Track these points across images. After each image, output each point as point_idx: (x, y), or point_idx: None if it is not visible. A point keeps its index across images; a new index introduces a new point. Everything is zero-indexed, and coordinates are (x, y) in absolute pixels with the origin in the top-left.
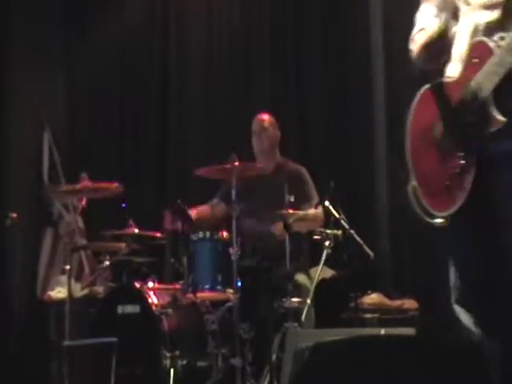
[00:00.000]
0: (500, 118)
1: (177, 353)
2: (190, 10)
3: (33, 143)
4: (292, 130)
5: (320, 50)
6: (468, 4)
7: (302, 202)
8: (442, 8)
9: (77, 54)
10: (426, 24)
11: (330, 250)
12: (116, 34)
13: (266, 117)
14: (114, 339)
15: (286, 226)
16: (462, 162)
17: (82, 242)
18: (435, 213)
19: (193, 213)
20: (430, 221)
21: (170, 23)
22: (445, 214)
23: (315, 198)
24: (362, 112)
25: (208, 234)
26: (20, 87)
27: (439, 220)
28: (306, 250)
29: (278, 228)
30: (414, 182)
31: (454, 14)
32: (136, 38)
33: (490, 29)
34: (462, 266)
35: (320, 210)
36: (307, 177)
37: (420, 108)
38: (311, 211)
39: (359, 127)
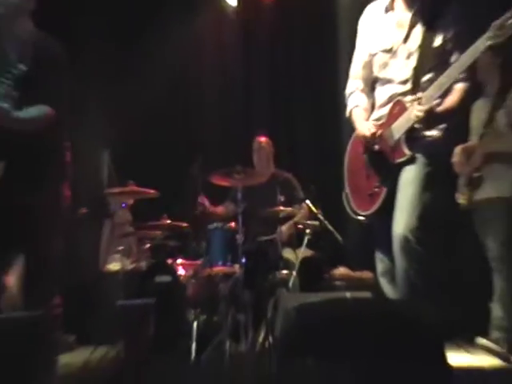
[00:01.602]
0: (407, 151)
1: (198, 311)
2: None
3: (96, 157)
4: (283, 147)
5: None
6: (388, 82)
7: (291, 201)
8: (366, 83)
9: (130, 87)
10: (358, 101)
11: (310, 236)
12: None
13: (263, 138)
14: (153, 300)
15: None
16: (378, 184)
17: (130, 229)
18: (360, 212)
19: (217, 210)
20: (355, 217)
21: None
22: (366, 213)
23: (300, 198)
24: (335, 133)
25: (220, 224)
26: (87, 113)
27: (361, 217)
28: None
29: (284, 235)
30: (346, 191)
31: (373, 84)
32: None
33: (404, 94)
34: (380, 246)
35: (305, 206)
36: (295, 182)
37: (355, 141)
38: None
39: (332, 144)
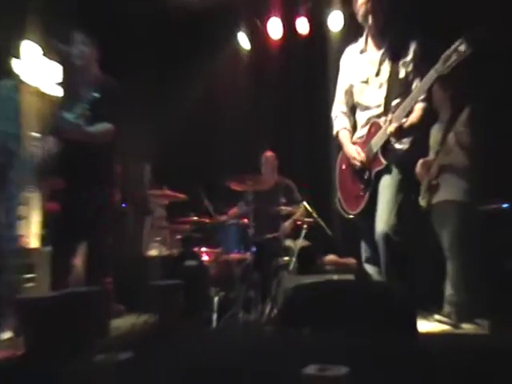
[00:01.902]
0: (383, 161)
1: (217, 289)
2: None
3: (140, 169)
4: (284, 160)
5: (302, 114)
6: (366, 108)
7: (291, 202)
8: (347, 107)
9: (164, 114)
10: (343, 123)
11: (306, 230)
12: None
13: (269, 153)
14: (182, 281)
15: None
16: (362, 190)
17: (165, 224)
18: (349, 211)
19: (232, 211)
20: (346, 216)
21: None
22: (354, 212)
23: (298, 199)
24: (325, 147)
25: (236, 220)
26: (135, 135)
27: (351, 216)
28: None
29: (285, 229)
30: (338, 196)
31: (353, 108)
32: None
33: (378, 116)
34: (365, 237)
35: (302, 206)
36: (294, 187)
37: (343, 156)
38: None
39: (323, 156)
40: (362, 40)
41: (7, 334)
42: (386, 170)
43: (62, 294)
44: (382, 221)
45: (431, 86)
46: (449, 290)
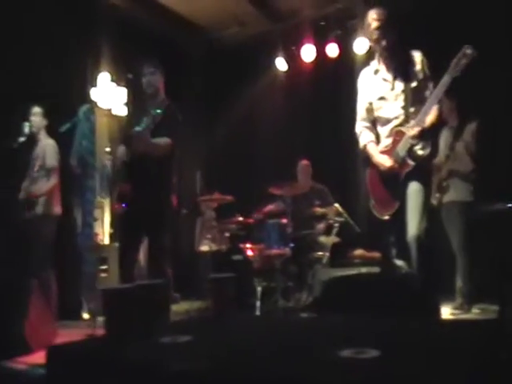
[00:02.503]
0: (411, 162)
1: (260, 279)
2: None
3: (192, 176)
4: (318, 167)
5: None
6: (387, 121)
7: (325, 205)
8: (370, 122)
9: (214, 129)
10: (369, 137)
11: (337, 228)
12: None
13: (304, 161)
14: (231, 274)
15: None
16: (392, 195)
17: (214, 224)
18: (382, 213)
19: (268, 208)
20: (380, 217)
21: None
22: (388, 214)
23: (331, 202)
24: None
25: (276, 220)
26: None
27: (385, 217)
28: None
29: (319, 227)
30: (372, 202)
31: (374, 123)
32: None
33: (400, 126)
34: (395, 234)
35: (334, 207)
36: (327, 191)
37: (372, 166)
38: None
39: (351, 164)
40: (374, 62)
41: (86, 316)
42: (413, 174)
43: (138, 284)
44: (414, 224)
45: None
46: (459, 283)
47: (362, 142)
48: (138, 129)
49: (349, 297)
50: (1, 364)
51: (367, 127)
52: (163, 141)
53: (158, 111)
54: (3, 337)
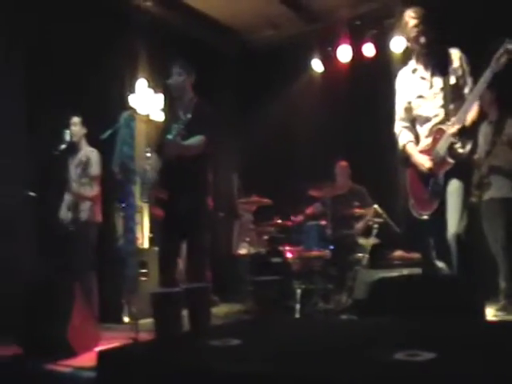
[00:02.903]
0: (451, 160)
1: (300, 281)
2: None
3: (229, 178)
4: (357, 168)
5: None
6: (426, 120)
7: (364, 205)
8: (409, 122)
9: (250, 130)
10: (408, 137)
11: (376, 229)
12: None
13: (343, 163)
14: (275, 277)
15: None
16: (431, 194)
17: (252, 226)
18: (422, 213)
19: (309, 210)
20: (419, 217)
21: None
22: (427, 213)
23: (370, 203)
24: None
25: (315, 222)
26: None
27: (424, 216)
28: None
29: (358, 229)
30: (412, 201)
31: (413, 122)
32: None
33: (439, 124)
34: (435, 234)
35: (373, 208)
36: (365, 192)
37: (412, 166)
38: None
39: (389, 165)
40: (412, 62)
41: (127, 319)
42: (453, 173)
43: (186, 288)
44: (454, 223)
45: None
46: (502, 284)
47: (401, 142)
48: (169, 137)
49: (394, 298)
50: (46, 367)
51: (406, 127)
52: (196, 139)
53: (189, 116)
54: (48, 340)
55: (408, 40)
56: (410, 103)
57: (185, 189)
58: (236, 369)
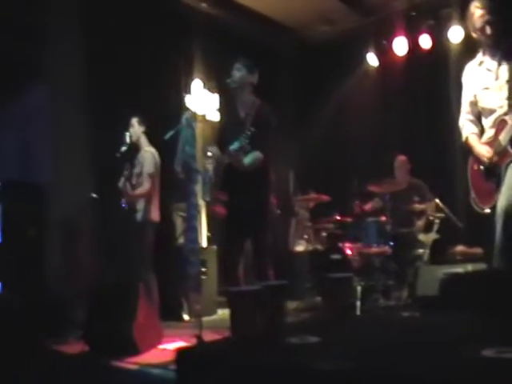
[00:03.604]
0: None
1: (360, 278)
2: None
3: (286, 177)
4: (416, 162)
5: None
6: (491, 112)
7: (424, 200)
8: (473, 115)
9: (306, 131)
10: (471, 129)
11: (437, 224)
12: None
13: (402, 157)
14: (348, 274)
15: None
16: (495, 183)
17: (309, 223)
18: (484, 207)
19: (368, 206)
20: (480, 211)
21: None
22: (488, 207)
23: (430, 198)
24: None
25: (374, 218)
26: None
27: (486, 210)
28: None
29: (419, 224)
30: (472, 195)
31: (478, 114)
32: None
33: (504, 114)
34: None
35: (433, 203)
36: (425, 186)
37: (473, 158)
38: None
39: (449, 157)
40: (479, 54)
41: (186, 317)
42: None
43: (263, 285)
44: (505, 198)
45: None
46: None
47: (464, 135)
48: (233, 147)
49: (468, 294)
50: (112, 364)
51: (470, 120)
52: (255, 159)
53: (252, 129)
54: (113, 338)
55: (474, 31)
56: (475, 96)
57: (249, 189)
58: (320, 366)
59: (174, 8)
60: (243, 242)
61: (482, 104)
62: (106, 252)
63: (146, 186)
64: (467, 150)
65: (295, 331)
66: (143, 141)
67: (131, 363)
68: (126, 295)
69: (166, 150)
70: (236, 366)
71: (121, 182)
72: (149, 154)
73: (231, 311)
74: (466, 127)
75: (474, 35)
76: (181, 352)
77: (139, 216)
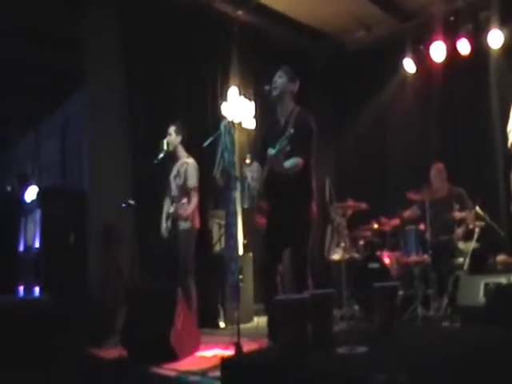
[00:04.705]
0: None
1: (399, 287)
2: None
3: (323, 182)
4: (455, 169)
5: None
6: None
7: (464, 208)
8: None
9: (344, 137)
10: None
11: (478, 232)
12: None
13: (439, 165)
14: (396, 283)
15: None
16: None
17: (346, 231)
18: None
19: (406, 214)
20: None
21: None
22: None
23: (470, 205)
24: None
25: (414, 227)
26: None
27: None
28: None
29: (459, 233)
30: None
31: None
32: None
33: None
34: None
35: (473, 211)
36: (465, 194)
37: None
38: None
39: (489, 165)
40: None
41: (222, 324)
42: None
43: (312, 293)
44: None
45: None
46: None
47: (510, 140)
48: (272, 151)
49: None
50: (151, 370)
51: None
52: (295, 163)
53: (291, 131)
54: (153, 344)
55: None
56: None
57: (289, 198)
58: (369, 377)
59: (211, 16)
60: (283, 250)
61: None
62: (146, 258)
63: (194, 200)
64: (511, 156)
65: (344, 341)
66: (181, 150)
67: (169, 369)
68: (165, 301)
69: (204, 158)
70: (280, 376)
71: (166, 205)
72: (192, 167)
73: (274, 319)
74: None
75: None
76: (224, 361)
77: (181, 224)
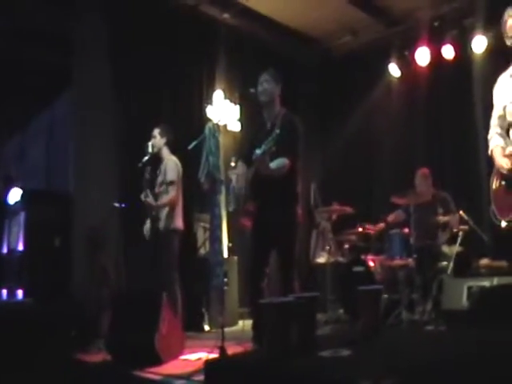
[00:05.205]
0: None
1: (383, 291)
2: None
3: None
4: (439, 174)
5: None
6: None
7: (448, 212)
8: (501, 128)
9: (330, 131)
10: (496, 142)
11: (461, 236)
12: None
13: (424, 170)
14: (379, 286)
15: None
16: None
17: (330, 235)
18: (501, 219)
19: (390, 218)
20: (498, 223)
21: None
22: (506, 220)
23: (454, 210)
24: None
25: (397, 230)
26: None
27: (503, 223)
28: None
29: (444, 235)
30: (492, 207)
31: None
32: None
33: None
34: None
35: (457, 215)
36: (449, 198)
37: (495, 171)
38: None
39: (472, 170)
40: (511, 66)
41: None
42: None
43: (296, 297)
44: None
45: None
46: None
47: (490, 148)
48: (258, 152)
49: (495, 308)
50: (135, 374)
51: (498, 133)
52: (281, 163)
53: (277, 131)
54: (137, 348)
55: (506, 39)
56: (504, 108)
57: (275, 201)
58: (353, 381)
59: (197, 19)
60: (269, 254)
61: (509, 117)
62: (131, 261)
63: (171, 193)
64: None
65: (327, 344)
66: (165, 151)
67: (154, 373)
68: (149, 305)
69: (189, 160)
70: (263, 378)
71: (143, 195)
72: (171, 163)
73: (259, 322)
74: (493, 140)
75: (507, 43)
76: (208, 364)
77: (162, 224)
